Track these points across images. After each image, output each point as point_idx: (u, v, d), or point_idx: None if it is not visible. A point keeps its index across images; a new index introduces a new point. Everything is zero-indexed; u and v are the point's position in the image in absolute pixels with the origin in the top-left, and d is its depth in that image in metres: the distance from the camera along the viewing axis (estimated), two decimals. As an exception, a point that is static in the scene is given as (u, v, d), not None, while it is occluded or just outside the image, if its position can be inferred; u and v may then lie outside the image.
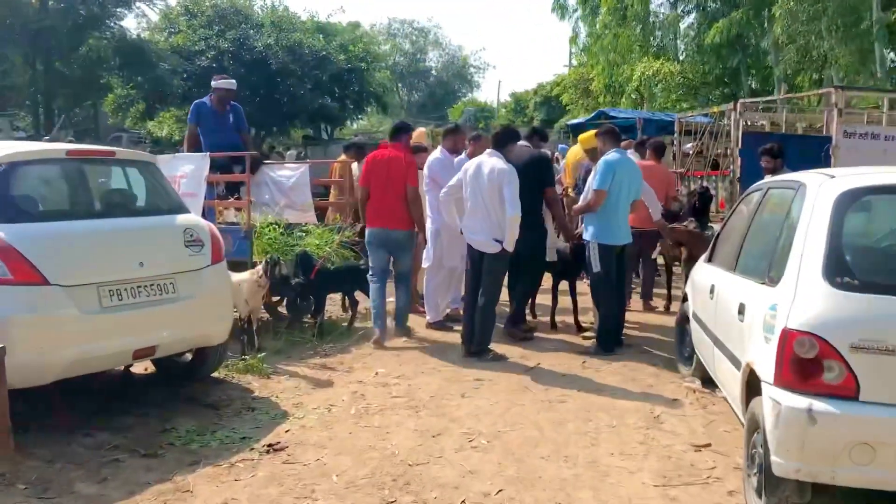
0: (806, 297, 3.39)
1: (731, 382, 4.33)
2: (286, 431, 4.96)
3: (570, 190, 9.44)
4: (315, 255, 7.47)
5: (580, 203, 7.21)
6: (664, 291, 9.21)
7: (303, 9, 49.12)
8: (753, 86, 23.03)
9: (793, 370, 3.33)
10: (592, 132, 7.68)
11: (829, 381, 3.28)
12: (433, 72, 60.04)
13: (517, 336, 7.33)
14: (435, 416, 5.24)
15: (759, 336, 3.67)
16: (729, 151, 10.79)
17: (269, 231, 7.58)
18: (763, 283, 3.88)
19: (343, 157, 12.99)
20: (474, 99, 57.26)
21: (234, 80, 8.80)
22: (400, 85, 58.33)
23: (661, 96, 24.51)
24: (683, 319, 6.23)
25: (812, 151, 10.01)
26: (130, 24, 53.77)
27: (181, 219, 5.51)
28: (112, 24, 22.81)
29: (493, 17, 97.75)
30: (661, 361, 6.66)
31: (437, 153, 8.04)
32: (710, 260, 5.57)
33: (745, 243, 4.65)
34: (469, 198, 6.72)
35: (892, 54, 16.66)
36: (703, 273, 5.56)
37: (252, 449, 4.66)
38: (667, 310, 8.88)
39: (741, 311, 4.07)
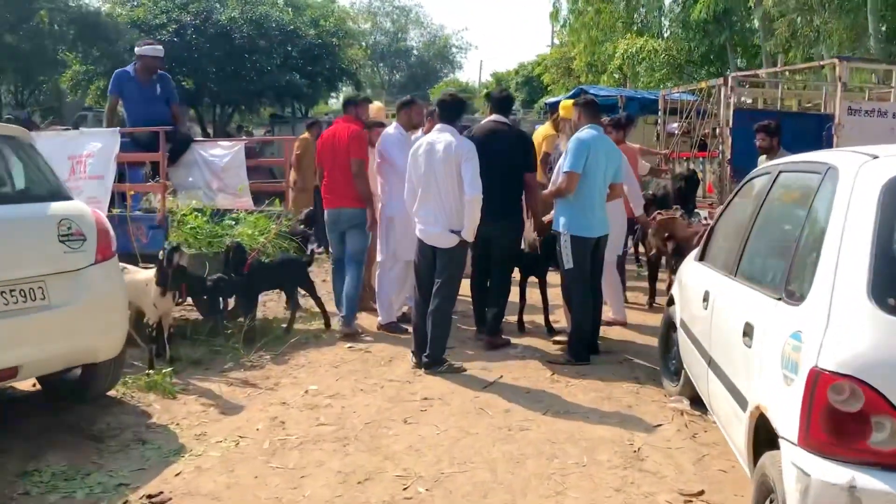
0: (845, 324, 2.44)
1: (732, 422, 3.38)
2: (176, 475, 3.96)
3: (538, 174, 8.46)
4: (248, 247, 6.48)
5: (550, 187, 6.22)
6: (645, 284, 8.32)
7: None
8: (740, 64, 22.04)
9: (827, 428, 2.38)
10: (573, 101, 6.67)
11: (879, 446, 2.33)
12: (414, 51, 58.80)
13: (499, 344, 6.35)
14: (366, 452, 4.26)
15: (774, 372, 2.72)
16: (718, 131, 9.83)
17: (192, 219, 6.55)
18: (779, 300, 2.92)
19: (306, 134, 12.03)
20: (456, 79, 56.05)
21: (160, 47, 7.71)
22: (381, 64, 57.09)
23: (645, 75, 23.51)
24: (669, 326, 5.28)
25: (809, 130, 9.17)
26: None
27: (56, 207, 4.48)
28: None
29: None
30: (642, 373, 5.72)
31: (390, 129, 7.05)
32: (701, 258, 4.61)
33: (748, 242, 3.68)
34: (420, 183, 5.71)
35: (883, 28, 15.67)
36: (694, 274, 4.60)
37: (125, 502, 3.67)
38: (649, 306, 7.95)
39: (747, 332, 3.11)
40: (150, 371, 5.35)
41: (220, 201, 7.36)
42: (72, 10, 21.53)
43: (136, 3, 24.71)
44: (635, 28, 24.28)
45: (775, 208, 3.60)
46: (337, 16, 26.93)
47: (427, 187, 5.66)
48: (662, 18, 24.58)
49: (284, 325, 6.86)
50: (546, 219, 6.42)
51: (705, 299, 4.00)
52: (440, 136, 5.66)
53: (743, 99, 10.65)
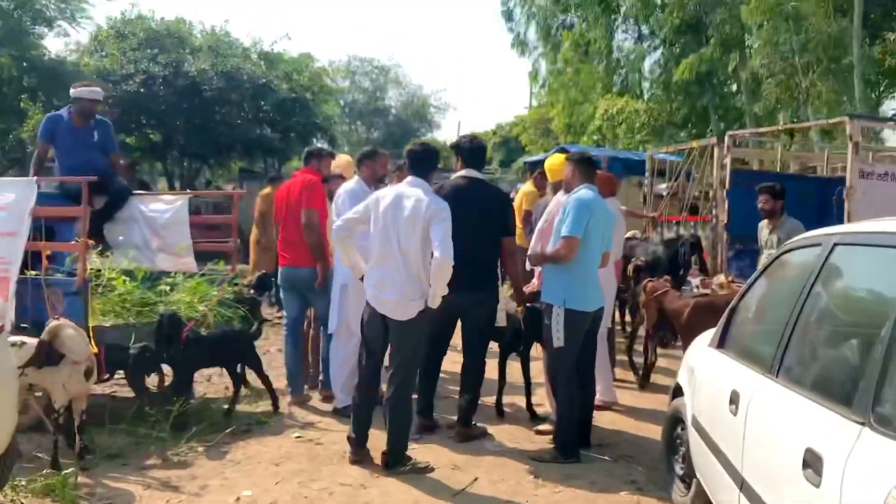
0: None
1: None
2: None
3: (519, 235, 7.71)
4: (185, 317, 5.59)
5: (540, 250, 5.39)
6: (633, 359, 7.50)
7: (246, 34, 46.78)
8: (723, 127, 21.73)
9: None
10: (562, 157, 5.87)
11: None
12: (392, 110, 58.80)
13: (473, 435, 5.44)
14: (301, 592, 3.34)
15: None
16: (712, 193, 9.17)
17: (120, 283, 5.66)
18: (862, 424, 2.10)
19: (268, 189, 11.27)
20: (434, 139, 55.81)
21: (99, 89, 6.87)
22: (359, 122, 56.97)
23: (624, 137, 23.16)
24: (676, 422, 4.44)
25: (810, 194, 8.58)
26: (57, 45, 51.45)
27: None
28: (27, 43, 20.64)
29: (454, 57, 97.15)
30: (641, 475, 4.84)
31: (351, 183, 6.24)
32: (720, 345, 3.80)
33: (793, 335, 2.86)
34: (377, 239, 4.84)
35: (873, 91, 15.34)
36: (713, 366, 3.77)
37: None
38: (642, 388, 7.10)
39: (811, 464, 2.27)
40: (52, 469, 4.41)
41: (160, 262, 6.51)
42: (32, 57, 20.74)
43: (104, 54, 24.02)
44: (615, 89, 24.02)
45: (835, 293, 2.79)
46: (311, 70, 26.34)
47: (385, 245, 4.80)
48: (642, 80, 24.33)
49: (227, 406, 5.95)
50: (527, 288, 5.62)
51: (733, 402, 3.17)
52: (410, 191, 4.84)
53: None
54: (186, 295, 5.92)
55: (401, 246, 4.73)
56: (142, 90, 21.60)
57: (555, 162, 6.07)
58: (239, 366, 6.04)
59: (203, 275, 6.23)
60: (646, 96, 23.62)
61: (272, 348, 8.70)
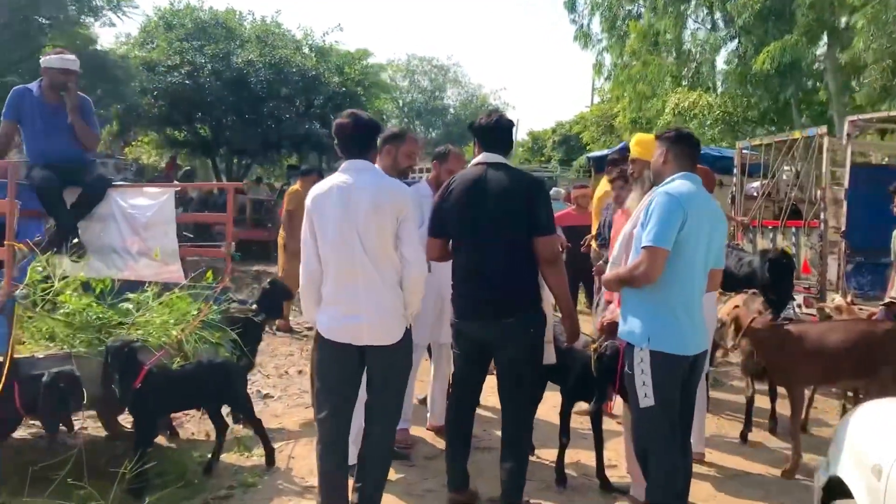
0: None
1: None
2: None
3: (594, 242, 6.25)
4: (150, 345, 4.28)
5: (613, 270, 3.93)
6: (723, 396, 6.00)
7: (297, 26, 45.60)
8: (805, 122, 19.81)
9: None
10: (651, 135, 4.31)
11: None
12: (451, 110, 58.18)
13: None
14: None
15: None
16: (819, 194, 7.51)
17: (67, 299, 4.37)
18: None
19: (297, 185, 10.11)
20: (493, 137, 54.89)
21: (73, 57, 5.60)
22: (417, 121, 56.53)
23: (696, 133, 21.36)
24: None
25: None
26: (108, 37, 51.56)
27: None
28: (72, 33, 19.90)
29: (514, 56, 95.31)
30: None
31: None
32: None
33: None
34: (331, 252, 3.54)
35: None
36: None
37: None
38: (744, 439, 5.56)
39: None
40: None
41: (142, 269, 5.31)
42: (78, 48, 20.01)
43: (153, 46, 23.31)
44: (686, 83, 22.27)
45: None
46: (363, 64, 25.09)
47: (346, 254, 3.50)
48: (716, 72, 22.45)
49: (210, 455, 4.64)
50: (606, 318, 4.14)
51: None
52: (359, 178, 3.53)
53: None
54: (160, 314, 4.60)
55: (366, 248, 3.47)
56: (187, 82, 20.74)
57: (645, 137, 4.54)
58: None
59: (184, 288, 4.90)
60: (719, 89, 21.80)
61: (291, 369, 7.48)
